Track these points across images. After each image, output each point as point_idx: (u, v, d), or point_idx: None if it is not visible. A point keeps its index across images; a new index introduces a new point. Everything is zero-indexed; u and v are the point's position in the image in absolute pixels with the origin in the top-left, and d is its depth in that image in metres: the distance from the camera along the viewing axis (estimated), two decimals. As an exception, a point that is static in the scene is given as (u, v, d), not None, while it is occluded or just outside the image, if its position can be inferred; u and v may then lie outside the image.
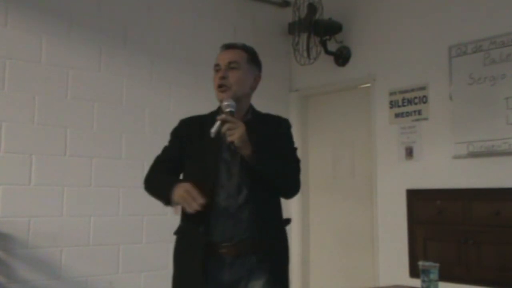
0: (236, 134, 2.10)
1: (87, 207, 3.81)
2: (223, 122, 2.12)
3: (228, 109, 2.18)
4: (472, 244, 3.64)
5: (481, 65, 3.71)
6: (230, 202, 2.22)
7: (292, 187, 2.35)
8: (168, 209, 4.10)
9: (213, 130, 2.11)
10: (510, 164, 3.53)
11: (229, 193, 2.23)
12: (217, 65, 2.33)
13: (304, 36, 4.62)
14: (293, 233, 4.81)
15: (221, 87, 2.26)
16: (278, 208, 2.35)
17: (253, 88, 2.37)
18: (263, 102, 2.48)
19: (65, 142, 3.76)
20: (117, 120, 4.00)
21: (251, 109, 2.38)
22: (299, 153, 2.44)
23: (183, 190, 2.09)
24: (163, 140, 2.31)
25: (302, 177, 4.66)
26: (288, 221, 2.39)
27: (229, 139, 2.10)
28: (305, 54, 4.60)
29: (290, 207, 4.83)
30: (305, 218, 4.89)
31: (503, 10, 3.66)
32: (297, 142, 2.45)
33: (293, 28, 4.73)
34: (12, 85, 3.57)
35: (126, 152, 4.01)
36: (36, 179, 3.61)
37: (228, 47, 2.36)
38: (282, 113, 2.44)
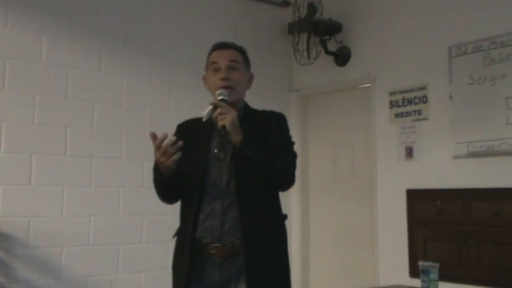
0: (227, 118, 2.07)
1: (87, 207, 3.81)
2: (215, 107, 2.11)
3: (220, 97, 2.17)
4: (472, 244, 3.64)
5: (481, 65, 3.71)
6: (218, 201, 2.20)
7: (283, 178, 2.27)
8: (168, 209, 4.12)
9: (205, 113, 2.10)
10: (510, 164, 3.53)
11: (218, 191, 2.21)
12: (215, 62, 2.27)
13: (304, 36, 4.62)
14: (293, 233, 4.80)
15: (226, 88, 2.22)
16: (271, 206, 2.29)
17: (248, 88, 2.37)
18: (263, 102, 2.49)
19: (65, 142, 3.76)
20: (117, 120, 4.00)
21: (245, 107, 2.37)
22: (299, 153, 2.43)
23: (155, 154, 2.09)
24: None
25: (302, 176, 4.66)
26: (283, 218, 2.34)
27: (221, 123, 2.08)
28: (305, 54, 4.60)
29: (290, 207, 4.83)
30: (305, 218, 4.89)
31: (503, 10, 3.66)
32: (297, 142, 2.43)
33: (293, 28, 4.73)
34: (12, 85, 3.57)
35: (126, 152, 4.01)
36: (36, 179, 3.61)
37: (223, 46, 2.33)
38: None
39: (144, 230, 4.05)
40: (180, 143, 2.07)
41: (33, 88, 3.65)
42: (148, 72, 4.19)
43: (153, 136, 2.07)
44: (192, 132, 2.32)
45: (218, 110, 2.10)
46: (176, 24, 4.38)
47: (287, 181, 2.29)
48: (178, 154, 2.07)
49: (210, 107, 2.12)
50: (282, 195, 2.36)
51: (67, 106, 3.78)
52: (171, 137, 2.08)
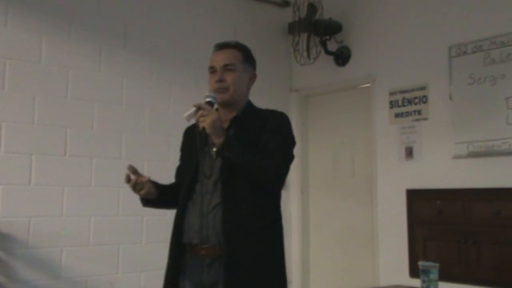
0: (207, 120, 2.08)
1: (87, 207, 3.81)
2: (198, 109, 2.13)
3: (207, 99, 2.18)
4: (472, 244, 3.64)
5: (481, 65, 3.71)
6: (206, 201, 2.20)
7: (268, 180, 2.19)
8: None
9: (185, 115, 2.14)
10: (510, 164, 3.53)
11: (205, 191, 2.21)
12: (212, 67, 2.30)
13: (304, 36, 4.62)
14: (293, 233, 4.81)
15: (219, 90, 2.25)
16: (261, 207, 2.21)
17: (249, 87, 2.36)
18: (263, 102, 2.48)
19: (65, 142, 3.76)
20: (117, 120, 4.00)
21: (247, 106, 2.36)
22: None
23: None
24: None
25: (302, 176, 4.65)
26: (276, 219, 2.27)
27: (201, 125, 2.10)
28: (305, 54, 4.60)
29: (290, 207, 4.84)
30: (305, 218, 4.89)
31: (503, 10, 3.66)
32: (297, 142, 2.41)
33: (293, 28, 4.73)
34: (12, 85, 3.57)
35: (126, 152, 4.01)
36: (36, 179, 3.61)
37: (221, 47, 2.33)
38: (282, 113, 2.41)
39: (144, 230, 4.05)
40: (145, 178, 2.24)
41: (33, 88, 3.65)
42: (148, 72, 4.19)
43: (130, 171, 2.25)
44: (193, 136, 2.34)
45: (200, 112, 2.11)
46: (176, 24, 4.38)
47: (273, 183, 2.23)
48: (146, 189, 2.24)
49: (193, 109, 2.14)
50: (282, 195, 2.34)
51: (67, 106, 3.78)
52: (133, 178, 2.24)
